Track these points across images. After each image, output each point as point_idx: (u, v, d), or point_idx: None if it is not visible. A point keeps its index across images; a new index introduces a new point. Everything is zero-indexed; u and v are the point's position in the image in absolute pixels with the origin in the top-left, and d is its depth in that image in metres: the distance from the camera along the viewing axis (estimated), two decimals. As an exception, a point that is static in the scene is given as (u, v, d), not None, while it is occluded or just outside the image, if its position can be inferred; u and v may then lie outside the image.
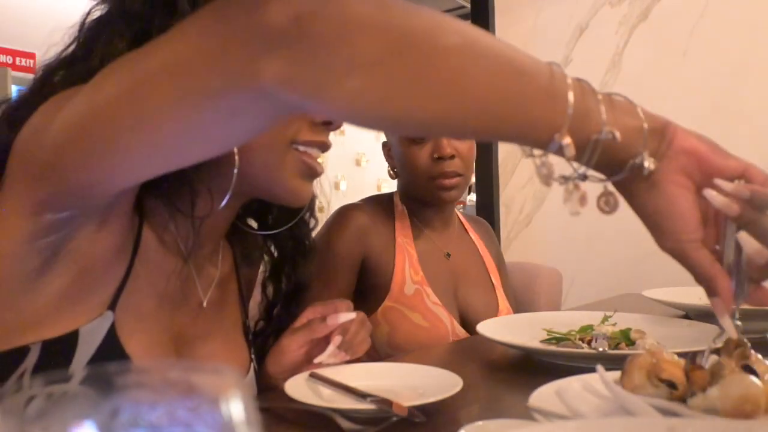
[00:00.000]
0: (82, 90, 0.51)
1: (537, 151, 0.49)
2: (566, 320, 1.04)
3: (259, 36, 0.41)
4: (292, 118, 0.68)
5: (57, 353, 0.59)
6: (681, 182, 0.51)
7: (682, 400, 0.55)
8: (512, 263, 1.59)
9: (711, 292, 0.52)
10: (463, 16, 5.22)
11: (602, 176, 0.51)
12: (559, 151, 0.47)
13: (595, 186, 0.52)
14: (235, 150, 0.66)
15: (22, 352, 0.58)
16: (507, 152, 2.35)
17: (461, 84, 0.44)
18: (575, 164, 0.50)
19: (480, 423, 0.55)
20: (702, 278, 0.51)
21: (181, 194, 0.68)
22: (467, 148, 1.24)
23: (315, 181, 0.77)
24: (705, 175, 0.51)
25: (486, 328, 0.98)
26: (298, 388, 0.72)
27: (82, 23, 0.67)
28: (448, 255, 1.30)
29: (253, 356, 0.83)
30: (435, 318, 1.18)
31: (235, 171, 0.66)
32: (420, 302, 1.19)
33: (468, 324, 1.22)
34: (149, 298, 0.68)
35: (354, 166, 5.84)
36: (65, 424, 0.20)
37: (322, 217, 1.01)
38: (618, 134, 0.48)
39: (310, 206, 0.87)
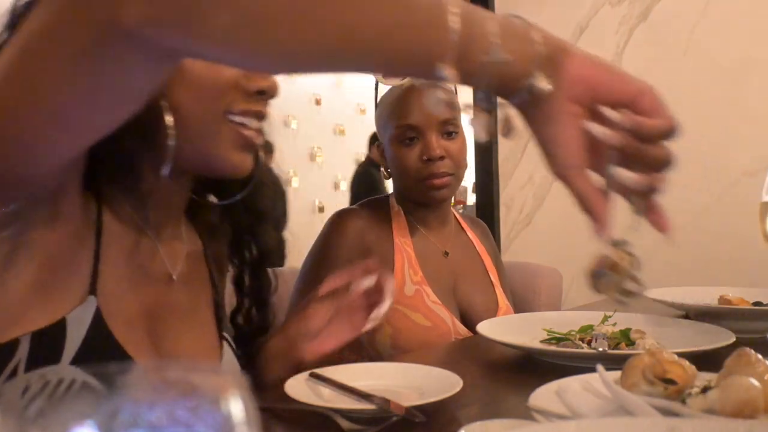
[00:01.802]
0: None
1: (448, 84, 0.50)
2: (566, 320, 1.04)
3: None
4: (225, 89, 0.67)
5: (47, 342, 0.60)
6: (571, 110, 0.52)
7: (682, 400, 0.55)
8: (512, 263, 1.59)
9: (591, 218, 0.53)
10: (463, 16, 5.21)
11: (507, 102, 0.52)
12: (446, 79, 0.47)
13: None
14: (171, 123, 0.66)
15: (12, 345, 0.59)
16: (507, 152, 2.35)
17: (332, 15, 0.44)
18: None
19: (480, 423, 0.55)
20: (582, 204, 0.53)
21: (124, 172, 0.68)
22: (457, 148, 1.24)
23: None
24: (598, 102, 0.52)
25: (486, 328, 0.98)
26: (298, 388, 0.72)
27: (13, 8, 0.66)
28: (446, 253, 1.31)
29: (226, 335, 0.82)
30: (436, 317, 1.18)
31: (171, 144, 0.66)
32: (420, 302, 1.19)
33: (468, 321, 1.22)
34: (122, 278, 0.69)
35: (354, 166, 5.84)
36: (65, 424, 0.20)
37: (323, 217, 1.01)
38: (508, 58, 0.48)
39: (270, 177, 0.87)
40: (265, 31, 0.43)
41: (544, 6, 2.28)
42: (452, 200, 1.39)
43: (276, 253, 0.90)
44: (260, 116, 0.71)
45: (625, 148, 0.52)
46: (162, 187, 0.71)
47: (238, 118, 0.69)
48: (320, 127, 5.57)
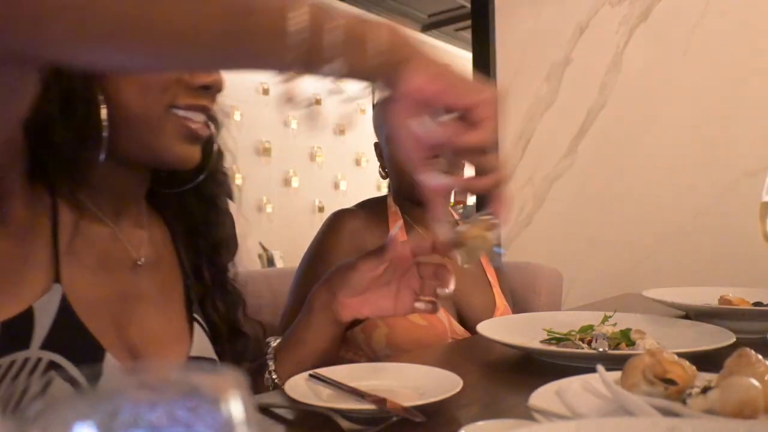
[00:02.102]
0: None
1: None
2: (566, 320, 1.04)
3: None
4: (168, 83, 0.68)
5: (16, 330, 0.62)
6: (408, 114, 0.58)
7: (682, 400, 0.55)
8: (512, 263, 1.59)
9: (426, 206, 0.62)
10: (463, 16, 5.22)
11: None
12: (297, 76, 0.52)
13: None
14: (104, 116, 0.67)
15: None
16: (507, 153, 2.35)
17: (175, 25, 0.45)
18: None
19: (480, 423, 0.55)
20: (420, 193, 0.62)
21: (70, 165, 0.69)
22: None
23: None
24: (434, 108, 0.58)
25: (486, 328, 0.98)
26: (298, 388, 0.72)
27: None
28: None
29: (197, 316, 0.82)
30: (432, 316, 1.18)
31: (104, 135, 0.67)
32: (417, 301, 1.18)
33: (466, 321, 1.22)
34: (85, 265, 0.71)
35: (354, 166, 5.84)
36: (65, 424, 0.20)
37: (323, 217, 1.01)
38: (345, 69, 0.53)
39: (218, 166, 0.87)
40: (104, 34, 0.44)
41: (544, 6, 2.28)
42: (451, 200, 1.38)
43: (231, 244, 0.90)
44: (205, 110, 0.72)
45: (446, 150, 0.59)
46: (114, 177, 0.73)
47: (182, 112, 0.70)
48: (320, 127, 5.57)
